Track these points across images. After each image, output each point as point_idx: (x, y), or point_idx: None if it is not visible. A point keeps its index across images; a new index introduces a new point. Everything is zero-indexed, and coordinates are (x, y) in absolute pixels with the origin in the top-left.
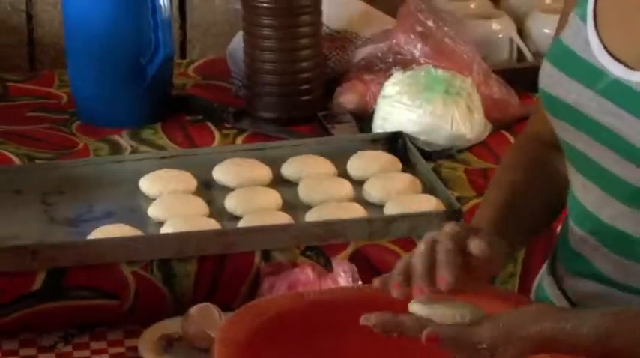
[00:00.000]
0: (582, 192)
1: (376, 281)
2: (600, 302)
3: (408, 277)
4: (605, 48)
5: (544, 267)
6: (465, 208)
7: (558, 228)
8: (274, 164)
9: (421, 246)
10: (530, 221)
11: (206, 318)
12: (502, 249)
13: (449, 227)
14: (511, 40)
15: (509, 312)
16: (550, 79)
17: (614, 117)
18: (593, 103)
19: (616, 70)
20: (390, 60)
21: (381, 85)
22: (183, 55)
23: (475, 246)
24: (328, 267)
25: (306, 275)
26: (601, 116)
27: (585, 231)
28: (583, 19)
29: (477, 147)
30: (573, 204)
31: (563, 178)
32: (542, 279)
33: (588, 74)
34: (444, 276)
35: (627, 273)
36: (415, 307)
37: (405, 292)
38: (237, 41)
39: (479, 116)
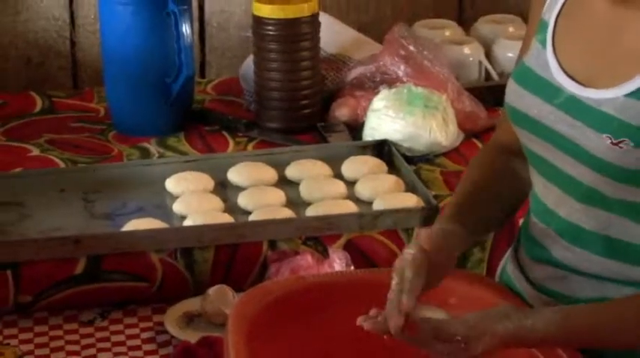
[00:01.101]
0: (543, 191)
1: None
2: (556, 284)
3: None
4: (562, 68)
5: (508, 253)
6: (441, 204)
7: (520, 221)
8: (279, 167)
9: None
10: (489, 216)
11: (222, 298)
12: (455, 247)
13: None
14: (480, 63)
15: (479, 312)
16: (515, 95)
17: (570, 127)
18: (551, 116)
19: (571, 87)
20: (378, 79)
21: (370, 100)
22: (202, 75)
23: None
24: (325, 255)
25: (306, 261)
26: (558, 126)
27: (545, 224)
28: (543, 44)
29: (452, 153)
30: (535, 201)
31: (521, 180)
32: (506, 264)
33: (547, 91)
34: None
35: (580, 260)
36: None
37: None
38: (248, 63)
39: (453, 127)
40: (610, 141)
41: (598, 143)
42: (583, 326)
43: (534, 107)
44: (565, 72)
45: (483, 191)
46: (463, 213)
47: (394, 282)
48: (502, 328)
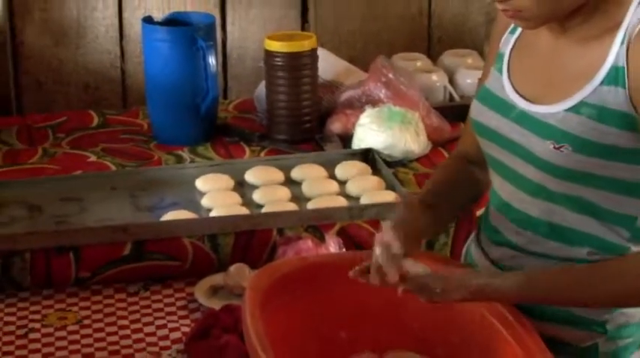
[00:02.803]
0: (500, 187)
1: (350, 273)
2: (510, 262)
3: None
4: (515, 89)
5: (471, 238)
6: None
7: (478, 212)
8: (286, 170)
9: (376, 251)
10: (449, 207)
11: (240, 274)
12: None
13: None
14: (445, 87)
15: (457, 271)
16: (478, 111)
17: (521, 136)
18: (507, 127)
19: (522, 103)
20: (364, 100)
21: (358, 117)
22: (225, 97)
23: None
24: (322, 240)
25: (307, 245)
26: (512, 135)
27: (501, 213)
28: (500, 71)
29: (422, 159)
30: (493, 195)
31: (476, 182)
32: (470, 247)
33: (503, 107)
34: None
35: (530, 242)
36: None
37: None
38: (261, 88)
39: (423, 138)
40: (553, 146)
41: (543, 148)
42: (542, 287)
43: (493, 120)
44: (517, 92)
45: (445, 188)
46: (429, 204)
47: (380, 250)
48: (475, 282)
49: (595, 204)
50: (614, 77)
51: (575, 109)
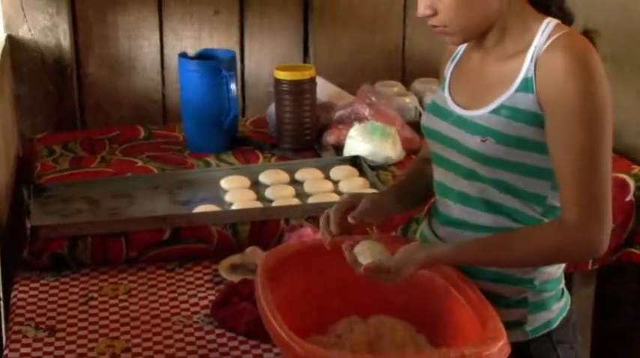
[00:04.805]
0: (442, 177)
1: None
2: (455, 238)
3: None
4: (453, 100)
5: (423, 224)
6: None
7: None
8: (291, 172)
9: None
10: (410, 198)
11: (254, 254)
12: (382, 211)
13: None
14: (415, 108)
15: (401, 250)
16: (426, 119)
17: (458, 135)
18: (447, 128)
19: (457, 110)
20: (352, 117)
21: (348, 131)
22: (243, 115)
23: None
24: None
25: (307, 231)
26: (452, 134)
27: (444, 197)
28: (443, 89)
29: (398, 164)
30: (437, 185)
31: (430, 179)
32: (423, 228)
33: (444, 114)
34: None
35: (471, 217)
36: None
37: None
38: (272, 108)
39: (399, 147)
40: (480, 139)
41: (473, 141)
42: (469, 250)
43: (437, 124)
44: (455, 102)
45: (409, 181)
46: (395, 192)
47: (322, 217)
48: (419, 255)
49: (514, 186)
50: (525, 86)
51: (496, 111)
